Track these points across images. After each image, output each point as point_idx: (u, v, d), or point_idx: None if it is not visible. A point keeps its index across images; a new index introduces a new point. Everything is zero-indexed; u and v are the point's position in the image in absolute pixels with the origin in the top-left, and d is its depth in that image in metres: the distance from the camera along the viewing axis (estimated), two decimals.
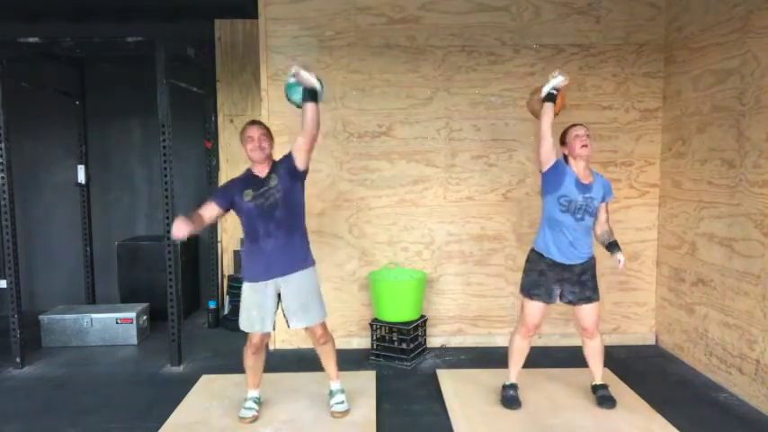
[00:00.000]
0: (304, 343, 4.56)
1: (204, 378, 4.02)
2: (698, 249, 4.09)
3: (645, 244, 4.67)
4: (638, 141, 4.60)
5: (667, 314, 4.54)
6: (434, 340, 4.67)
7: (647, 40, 4.53)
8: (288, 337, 4.54)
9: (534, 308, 3.40)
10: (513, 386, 3.54)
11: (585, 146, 3.28)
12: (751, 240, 3.53)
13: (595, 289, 3.40)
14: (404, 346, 4.27)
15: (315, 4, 4.47)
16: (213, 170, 5.62)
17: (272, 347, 4.52)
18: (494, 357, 4.24)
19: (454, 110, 4.56)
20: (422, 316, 4.49)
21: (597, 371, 3.53)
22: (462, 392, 3.70)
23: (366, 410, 3.46)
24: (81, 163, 5.70)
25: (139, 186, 6.07)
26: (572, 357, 4.10)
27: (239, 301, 5.16)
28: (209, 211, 3.25)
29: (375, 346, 4.39)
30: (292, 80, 3.22)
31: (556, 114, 3.40)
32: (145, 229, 6.04)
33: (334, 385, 3.49)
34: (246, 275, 3.30)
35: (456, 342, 4.70)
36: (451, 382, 3.87)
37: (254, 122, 3.30)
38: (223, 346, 4.79)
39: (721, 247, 3.83)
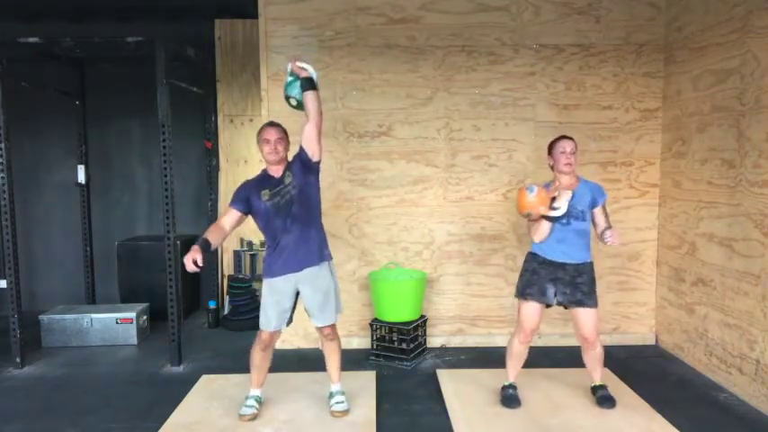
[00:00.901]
0: (304, 343, 4.57)
1: (204, 378, 4.02)
2: (698, 249, 4.09)
3: (645, 244, 4.67)
4: (638, 141, 4.60)
5: (667, 314, 4.54)
6: (434, 340, 4.67)
7: (647, 40, 4.54)
8: (288, 337, 4.54)
9: (529, 309, 3.39)
10: (513, 386, 3.54)
11: (569, 164, 3.32)
12: (751, 240, 3.53)
13: (590, 294, 3.35)
14: (404, 346, 4.27)
15: (315, 4, 4.47)
16: (213, 170, 5.62)
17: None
18: (494, 357, 4.23)
19: (454, 110, 4.56)
20: (422, 316, 4.49)
21: (596, 372, 3.53)
22: (462, 392, 3.70)
23: (366, 410, 3.46)
24: (81, 163, 5.70)
25: (139, 186, 6.07)
26: (572, 357, 4.09)
27: (239, 302, 5.27)
28: (230, 217, 3.27)
29: (375, 346, 4.39)
30: (289, 78, 3.25)
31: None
32: (145, 229, 6.04)
33: (335, 387, 3.49)
34: (266, 272, 3.34)
35: (456, 342, 4.70)
36: (451, 382, 3.87)
37: (271, 124, 3.32)
38: (223, 346, 4.80)
39: (721, 247, 3.83)
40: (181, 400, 3.64)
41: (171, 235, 4.20)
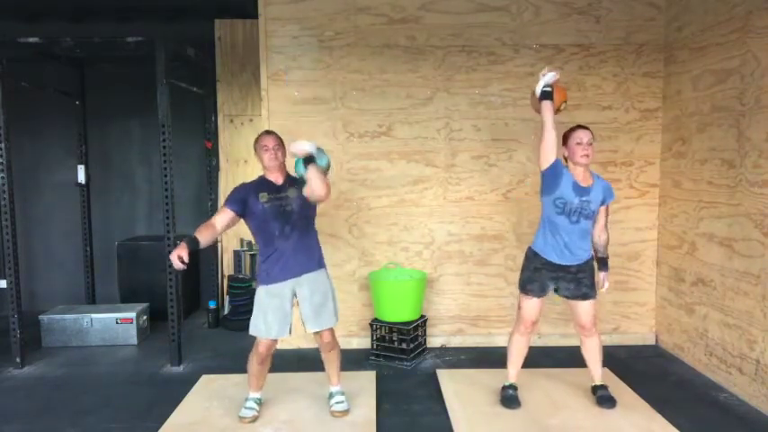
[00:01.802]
0: (304, 343, 4.56)
1: (204, 378, 4.02)
2: (698, 249, 4.09)
3: (645, 244, 4.67)
4: (638, 141, 4.60)
5: (667, 314, 4.54)
6: (434, 340, 4.67)
7: (647, 40, 4.53)
8: (288, 337, 4.52)
9: (530, 303, 3.42)
10: (513, 386, 3.54)
11: (586, 155, 3.26)
12: (751, 240, 3.53)
13: (592, 286, 3.40)
14: (404, 346, 4.27)
15: (315, 4, 4.47)
16: (213, 170, 5.62)
17: None
18: (494, 357, 4.23)
19: (454, 110, 4.56)
20: (422, 316, 4.49)
21: (596, 371, 3.53)
22: (462, 392, 3.70)
23: (366, 410, 3.46)
24: (81, 163, 5.70)
25: (139, 186, 6.07)
26: (572, 357, 4.09)
27: (239, 302, 5.27)
28: (224, 217, 3.19)
29: (375, 346, 4.39)
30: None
31: (558, 110, 3.37)
32: (145, 229, 6.04)
33: (335, 388, 3.49)
34: (262, 279, 3.29)
35: (456, 342, 4.70)
36: (451, 382, 3.87)
37: (268, 133, 3.38)
38: (223, 346, 4.80)
39: (721, 247, 3.83)
40: (181, 400, 3.64)
41: (171, 235, 4.20)
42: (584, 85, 4.55)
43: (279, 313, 3.24)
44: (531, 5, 4.50)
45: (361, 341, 4.58)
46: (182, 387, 3.85)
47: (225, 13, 5.48)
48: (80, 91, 5.68)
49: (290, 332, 3.32)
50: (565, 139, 3.37)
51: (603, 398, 3.47)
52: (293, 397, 3.66)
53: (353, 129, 4.57)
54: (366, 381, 3.90)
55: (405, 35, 4.51)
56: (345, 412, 3.40)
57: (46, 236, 5.99)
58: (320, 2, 4.46)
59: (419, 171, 4.60)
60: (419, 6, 4.49)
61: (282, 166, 3.33)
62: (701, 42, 4.05)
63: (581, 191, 3.28)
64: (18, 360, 4.32)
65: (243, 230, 5.26)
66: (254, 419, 3.35)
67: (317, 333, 3.36)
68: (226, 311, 5.44)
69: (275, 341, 3.31)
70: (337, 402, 3.43)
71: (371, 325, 4.41)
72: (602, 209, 3.40)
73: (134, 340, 4.85)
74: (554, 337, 4.65)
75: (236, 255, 5.59)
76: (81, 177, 5.71)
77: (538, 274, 3.38)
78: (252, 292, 5.28)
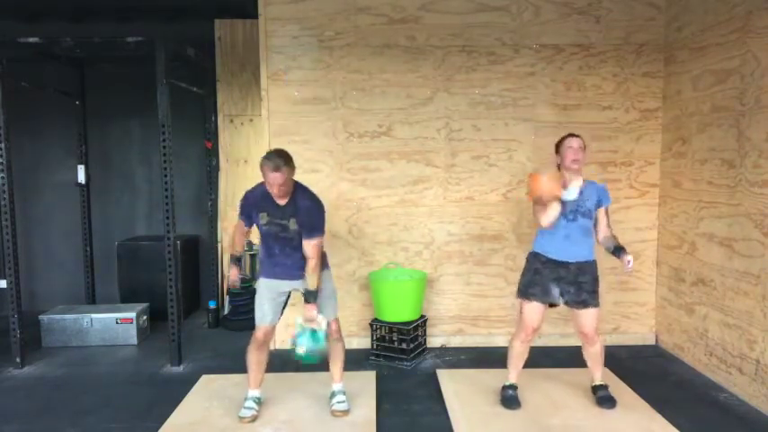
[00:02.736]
0: None
1: (204, 378, 4.02)
2: (698, 249, 4.09)
3: (645, 244, 4.67)
4: (638, 141, 4.60)
5: (667, 314, 4.54)
6: (434, 340, 4.67)
7: (647, 40, 4.53)
8: (288, 338, 4.52)
9: (532, 309, 3.39)
10: (513, 386, 3.54)
11: (576, 160, 3.30)
12: (751, 240, 3.53)
13: (593, 294, 3.36)
14: (404, 346, 4.27)
15: (315, 4, 4.47)
16: (213, 170, 5.62)
17: (272, 347, 4.50)
18: (494, 357, 4.23)
19: (454, 110, 4.56)
20: (422, 316, 4.49)
21: (597, 372, 3.54)
22: (462, 392, 3.70)
23: (366, 410, 3.46)
24: (81, 163, 5.70)
25: (139, 186, 6.07)
26: (572, 357, 4.10)
27: (239, 302, 5.26)
28: (242, 229, 3.44)
29: (375, 346, 4.39)
30: (300, 351, 3.29)
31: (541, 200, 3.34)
32: (145, 229, 6.04)
33: (336, 387, 3.50)
34: (264, 272, 3.41)
35: (456, 342, 4.70)
36: (451, 382, 3.87)
37: (275, 169, 3.04)
38: (223, 346, 4.80)
39: (721, 247, 3.82)
40: (181, 400, 3.64)
41: (171, 235, 4.20)
42: (584, 85, 4.55)
43: (273, 303, 3.38)
44: (531, 5, 4.49)
45: (361, 341, 4.58)
46: (182, 387, 3.85)
47: (225, 13, 5.48)
48: (80, 91, 5.67)
49: (279, 318, 3.47)
50: (557, 147, 3.42)
51: (604, 398, 3.47)
52: (293, 397, 3.67)
53: (353, 129, 4.57)
54: (366, 381, 3.90)
55: (405, 35, 4.51)
56: (346, 412, 3.40)
57: (46, 236, 5.99)
58: (320, 2, 4.46)
59: (419, 171, 4.60)
60: (419, 6, 4.49)
61: (290, 191, 3.22)
62: (701, 42, 4.05)
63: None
64: (18, 360, 4.32)
65: None
66: (254, 419, 3.36)
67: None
68: (226, 311, 5.44)
69: (272, 328, 3.43)
70: (338, 402, 3.43)
71: (371, 325, 4.41)
72: (601, 211, 3.40)
73: (134, 340, 4.84)
74: (554, 337, 4.65)
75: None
76: (81, 177, 5.71)
77: (539, 277, 3.37)
78: (252, 293, 5.29)
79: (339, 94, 4.53)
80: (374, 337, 4.39)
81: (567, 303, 3.39)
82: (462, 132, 4.58)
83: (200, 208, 5.92)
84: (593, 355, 3.48)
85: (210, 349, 4.71)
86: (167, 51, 4.14)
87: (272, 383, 3.62)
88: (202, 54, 5.15)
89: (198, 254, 5.96)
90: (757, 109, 3.47)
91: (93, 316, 4.84)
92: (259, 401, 3.45)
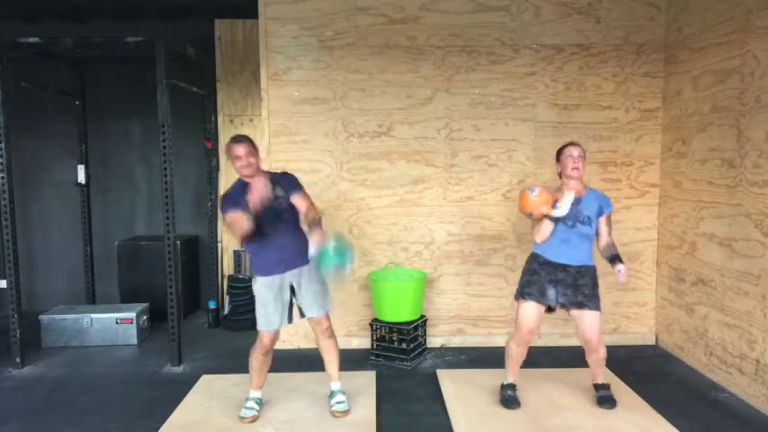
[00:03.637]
0: (304, 343, 4.57)
1: (204, 378, 4.02)
2: (698, 249, 4.09)
3: (645, 244, 4.67)
4: (638, 141, 4.60)
5: (667, 314, 4.54)
6: (434, 340, 4.67)
7: (647, 40, 4.54)
8: (288, 338, 4.54)
9: (528, 309, 3.37)
10: (512, 386, 3.54)
11: (576, 168, 3.31)
12: (751, 240, 3.53)
13: (592, 297, 3.33)
14: (404, 346, 4.27)
15: (315, 4, 4.47)
16: (213, 170, 5.62)
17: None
18: (494, 357, 4.23)
19: (454, 110, 4.56)
20: (422, 316, 4.49)
21: (598, 372, 3.53)
22: (462, 392, 3.70)
23: (366, 410, 3.46)
24: (81, 163, 5.71)
25: (139, 186, 6.07)
26: (572, 357, 4.10)
27: (239, 302, 5.26)
28: (237, 215, 3.16)
29: (375, 346, 4.39)
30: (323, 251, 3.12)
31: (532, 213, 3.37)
32: (145, 229, 6.04)
33: (335, 386, 3.49)
34: (258, 270, 3.33)
35: (456, 342, 4.70)
36: (451, 382, 3.87)
37: (238, 141, 3.22)
38: (223, 346, 4.80)
39: (721, 247, 3.83)
40: (181, 400, 3.64)
41: (171, 235, 4.20)
42: (584, 85, 4.55)
43: (278, 304, 3.29)
44: (531, 5, 4.50)
45: (361, 341, 4.58)
46: (182, 387, 3.85)
47: (225, 13, 5.49)
48: (80, 91, 5.68)
49: (291, 320, 3.36)
50: (558, 155, 3.43)
51: (604, 398, 3.47)
52: (293, 397, 3.67)
53: (353, 129, 4.57)
54: (366, 381, 3.90)
55: (405, 35, 4.51)
56: (346, 412, 3.40)
57: (46, 236, 5.99)
58: (320, 2, 4.46)
59: (419, 171, 4.60)
60: (419, 6, 4.49)
61: (259, 170, 3.27)
62: (701, 42, 4.05)
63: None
64: (18, 360, 4.32)
65: None
66: (254, 419, 3.36)
67: (314, 321, 3.38)
68: (226, 311, 5.44)
69: (278, 332, 3.35)
70: (338, 402, 3.43)
71: (371, 325, 4.41)
72: (603, 219, 3.39)
73: (134, 340, 4.85)
74: (554, 337, 4.65)
75: (236, 255, 5.59)
76: (81, 177, 5.72)
77: (536, 277, 3.37)
78: (252, 293, 5.30)
79: (339, 94, 4.54)
80: (374, 337, 4.39)
81: (563, 306, 3.37)
82: (462, 132, 4.58)
83: (200, 208, 5.92)
84: (596, 361, 3.46)
85: (210, 349, 4.71)
86: (167, 51, 4.14)
87: (273, 383, 3.62)
88: (202, 54, 5.15)
89: (198, 254, 5.96)
90: (757, 109, 3.47)
91: (93, 316, 4.84)
92: (260, 402, 3.45)
